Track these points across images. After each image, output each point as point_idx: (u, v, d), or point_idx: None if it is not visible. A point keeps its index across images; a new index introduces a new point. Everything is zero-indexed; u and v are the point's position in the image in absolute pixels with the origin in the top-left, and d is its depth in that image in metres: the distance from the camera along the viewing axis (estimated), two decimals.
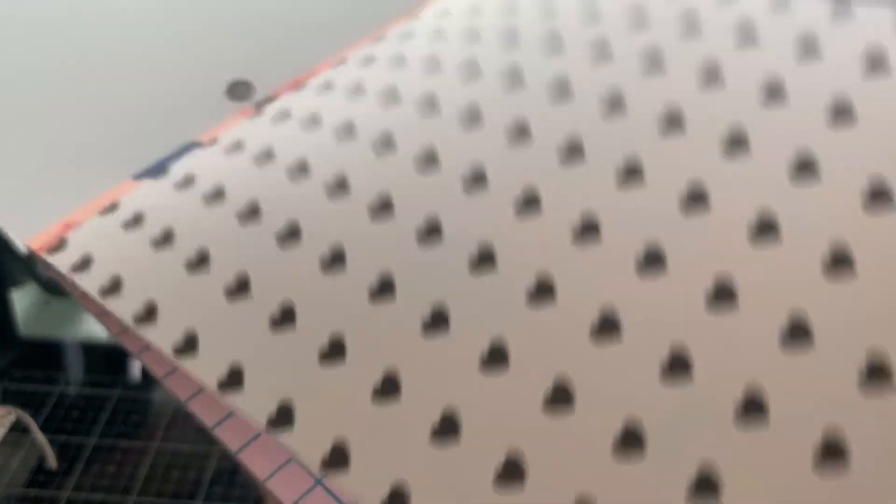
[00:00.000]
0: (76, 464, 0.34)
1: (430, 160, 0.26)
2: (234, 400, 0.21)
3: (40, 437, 0.34)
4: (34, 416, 0.35)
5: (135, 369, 0.40)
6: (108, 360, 0.41)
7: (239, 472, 0.34)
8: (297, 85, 0.30)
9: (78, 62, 0.28)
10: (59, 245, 0.24)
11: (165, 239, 0.24)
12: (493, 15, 0.32)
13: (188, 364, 0.21)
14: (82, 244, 0.24)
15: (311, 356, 0.22)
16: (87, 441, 0.35)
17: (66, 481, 0.34)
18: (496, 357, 0.21)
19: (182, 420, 0.37)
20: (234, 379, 0.21)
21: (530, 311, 0.22)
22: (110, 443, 0.35)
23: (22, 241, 0.24)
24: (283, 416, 0.20)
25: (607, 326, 0.21)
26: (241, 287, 0.23)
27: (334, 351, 0.22)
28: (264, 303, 0.23)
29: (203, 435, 0.35)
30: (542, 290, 0.23)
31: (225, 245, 0.24)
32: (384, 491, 0.19)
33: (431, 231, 0.24)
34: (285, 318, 0.22)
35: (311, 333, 0.22)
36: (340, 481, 0.19)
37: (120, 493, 0.33)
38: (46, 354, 0.41)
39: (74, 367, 0.40)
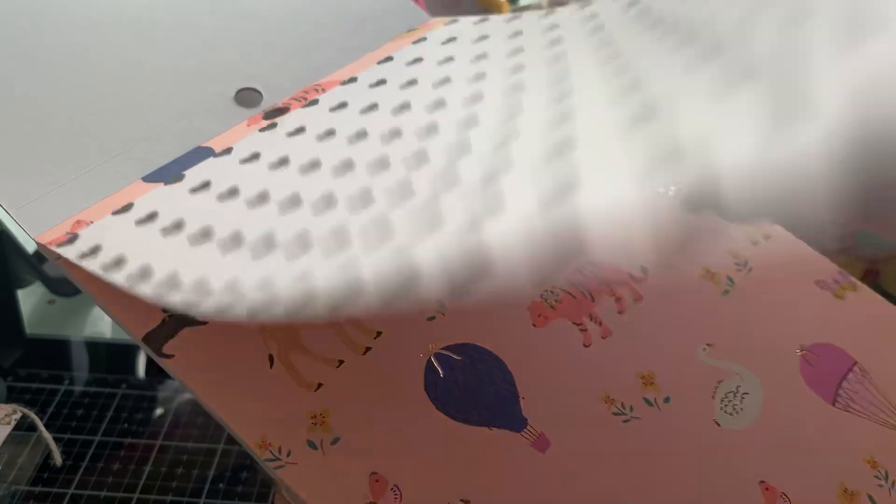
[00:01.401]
0: (81, 461, 0.35)
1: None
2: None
3: (46, 435, 0.34)
4: (40, 414, 0.35)
5: (139, 368, 0.40)
6: (112, 358, 0.41)
7: (243, 469, 0.34)
8: (304, 95, 0.31)
9: (91, 66, 0.28)
10: (69, 240, 0.24)
11: (176, 227, 0.24)
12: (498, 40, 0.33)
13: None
14: (93, 238, 0.24)
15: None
16: (92, 438, 0.36)
17: (71, 478, 0.34)
18: None
19: (186, 418, 0.37)
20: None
21: None
22: (115, 440, 0.36)
23: (32, 235, 0.24)
24: None
25: None
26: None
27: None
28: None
29: (208, 433, 0.36)
30: None
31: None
32: None
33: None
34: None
35: None
36: None
37: (124, 490, 0.33)
38: (52, 353, 0.41)
39: (80, 366, 0.41)
